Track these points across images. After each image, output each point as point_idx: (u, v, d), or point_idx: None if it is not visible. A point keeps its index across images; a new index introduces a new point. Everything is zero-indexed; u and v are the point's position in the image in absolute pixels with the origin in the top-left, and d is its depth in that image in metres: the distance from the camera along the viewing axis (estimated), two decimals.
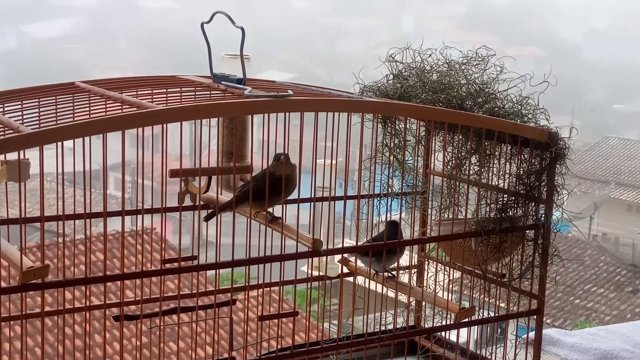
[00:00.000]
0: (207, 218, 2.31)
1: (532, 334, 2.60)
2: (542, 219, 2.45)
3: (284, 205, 2.35)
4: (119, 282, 2.14)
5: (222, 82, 2.28)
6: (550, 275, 2.50)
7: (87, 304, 2.05)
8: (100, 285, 2.02)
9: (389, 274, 2.55)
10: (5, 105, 2.19)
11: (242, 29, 2.13)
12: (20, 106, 2.18)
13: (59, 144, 1.86)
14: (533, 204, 2.46)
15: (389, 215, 2.43)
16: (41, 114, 2.13)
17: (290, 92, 2.13)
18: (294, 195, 2.31)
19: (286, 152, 2.29)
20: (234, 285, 2.32)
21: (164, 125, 2.00)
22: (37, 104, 2.18)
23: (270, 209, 2.34)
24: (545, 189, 2.44)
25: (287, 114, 2.16)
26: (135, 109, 1.99)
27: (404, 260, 2.68)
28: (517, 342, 2.63)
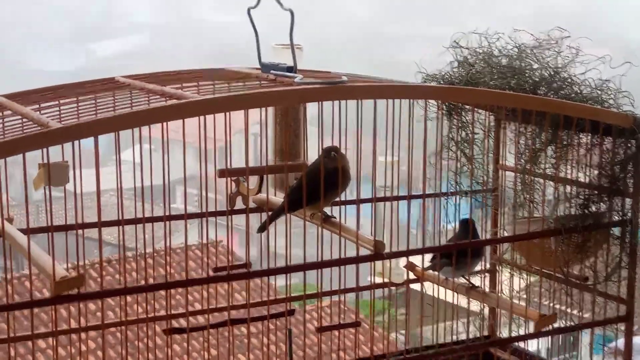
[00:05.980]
0: (261, 230, 2.13)
1: (619, 342, 2.36)
2: (630, 214, 2.21)
3: (343, 207, 2.16)
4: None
5: (271, 72, 2.09)
6: None
7: (122, 316, 1.89)
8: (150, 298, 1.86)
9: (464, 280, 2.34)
10: (41, 103, 2.06)
11: (291, 12, 1.95)
12: (57, 103, 2.04)
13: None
14: (618, 199, 2.23)
15: (458, 215, 2.23)
16: (80, 109, 1.99)
17: (345, 78, 1.93)
18: (353, 195, 2.11)
19: (342, 145, 2.09)
20: (290, 294, 2.14)
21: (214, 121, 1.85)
22: (75, 100, 2.04)
23: (326, 209, 2.14)
24: (631, 181, 2.20)
25: (344, 103, 1.96)
26: (176, 100, 1.83)
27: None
28: (604, 352, 2.39)
